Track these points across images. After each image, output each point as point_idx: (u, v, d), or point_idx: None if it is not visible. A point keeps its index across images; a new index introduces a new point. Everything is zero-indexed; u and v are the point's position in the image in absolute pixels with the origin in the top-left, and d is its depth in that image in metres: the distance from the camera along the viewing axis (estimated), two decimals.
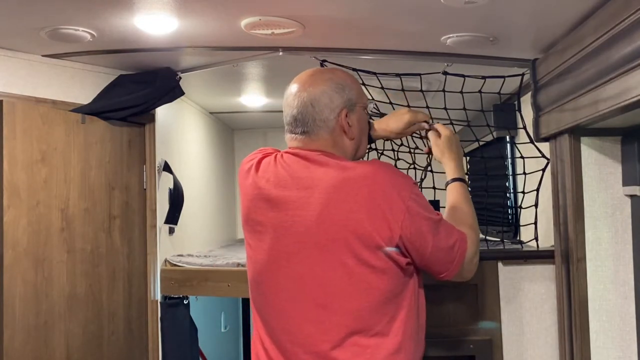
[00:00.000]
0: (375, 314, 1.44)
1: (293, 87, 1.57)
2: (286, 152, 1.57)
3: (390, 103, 2.38)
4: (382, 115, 2.03)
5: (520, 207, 2.44)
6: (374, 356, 1.43)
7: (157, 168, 3.06)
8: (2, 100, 2.41)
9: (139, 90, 2.80)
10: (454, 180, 1.70)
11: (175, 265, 3.16)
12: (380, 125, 1.81)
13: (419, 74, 2.36)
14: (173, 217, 3.21)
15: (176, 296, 3.12)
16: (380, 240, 1.41)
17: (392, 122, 1.80)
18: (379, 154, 2.34)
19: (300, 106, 1.53)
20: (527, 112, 2.36)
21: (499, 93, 2.48)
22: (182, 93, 2.93)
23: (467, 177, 1.76)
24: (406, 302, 1.48)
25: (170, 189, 3.22)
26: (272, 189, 1.51)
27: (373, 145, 2.11)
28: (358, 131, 1.58)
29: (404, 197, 1.43)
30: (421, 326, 1.55)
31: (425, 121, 1.81)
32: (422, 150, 1.95)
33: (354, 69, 2.41)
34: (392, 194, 1.43)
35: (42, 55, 2.56)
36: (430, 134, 1.80)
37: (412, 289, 1.51)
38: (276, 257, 1.50)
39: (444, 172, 1.75)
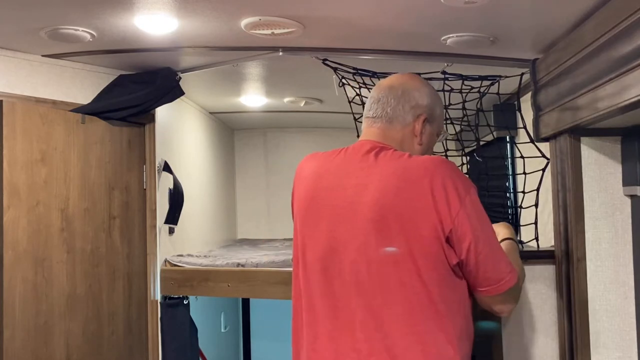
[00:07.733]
0: (424, 308, 1.42)
1: (388, 79, 1.62)
2: (354, 144, 1.58)
3: None
4: None
5: (520, 207, 2.44)
6: (426, 346, 1.41)
7: (157, 168, 3.06)
8: (2, 100, 2.41)
9: (139, 90, 2.80)
10: (506, 239, 1.73)
11: (175, 265, 3.16)
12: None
13: (419, 74, 2.36)
14: (173, 217, 3.20)
15: (176, 296, 3.12)
16: (432, 231, 1.40)
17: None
18: None
19: (389, 90, 1.58)
20: (527, 112, 2.36)
21: (497, 93, 2.49)
22: (182, 93, 2.93)
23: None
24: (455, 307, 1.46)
25: (170, 189, 3.22)
26: (332, 176, 1.52)
27: None
28: (426, 144, 1.60)
29: (462, 195, 1.42)
30: (468, 329, 1.52)
31: None
32: None
33: (354, 69, 2.42)
34: (451, 190, 1.41)
35: (42, 55, 2.56)
36: None
37: (462, 293, 1.49)
38: (334, 244, 1.48)
39: None
